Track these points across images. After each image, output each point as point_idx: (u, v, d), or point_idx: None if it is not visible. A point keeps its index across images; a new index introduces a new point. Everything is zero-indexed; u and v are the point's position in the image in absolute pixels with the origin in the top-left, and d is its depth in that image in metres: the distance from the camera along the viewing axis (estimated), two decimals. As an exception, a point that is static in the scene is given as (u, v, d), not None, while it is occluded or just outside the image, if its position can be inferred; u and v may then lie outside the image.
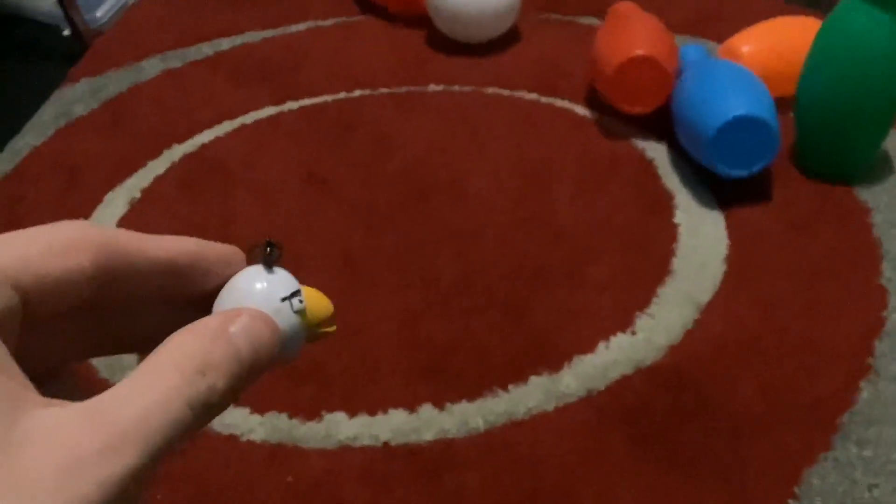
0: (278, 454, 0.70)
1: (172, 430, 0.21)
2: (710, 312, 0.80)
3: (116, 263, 0.24)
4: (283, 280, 0.26)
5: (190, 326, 0.23)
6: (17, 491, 0.18)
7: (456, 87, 1.12)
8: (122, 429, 0.20)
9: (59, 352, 0.25)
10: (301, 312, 0.25)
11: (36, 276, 0.22)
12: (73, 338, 0.25)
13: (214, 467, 0.70)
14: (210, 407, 0.22)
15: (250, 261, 0.26)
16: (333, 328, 0.27)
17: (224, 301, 0.25)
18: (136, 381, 0.21)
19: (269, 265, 0.26)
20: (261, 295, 0.25)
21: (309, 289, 0.26)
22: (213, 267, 0.26)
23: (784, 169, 0.94)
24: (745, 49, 1.00)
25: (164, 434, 0.20)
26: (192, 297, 0.26)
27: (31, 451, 0.19)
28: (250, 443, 0.71)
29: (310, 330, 0.26)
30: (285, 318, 0.25)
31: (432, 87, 1.13)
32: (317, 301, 0.26)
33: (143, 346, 0.26)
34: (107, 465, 0.19)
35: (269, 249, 0.25)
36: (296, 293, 0.25)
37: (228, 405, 0.23)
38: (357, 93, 1.12)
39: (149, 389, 0.21)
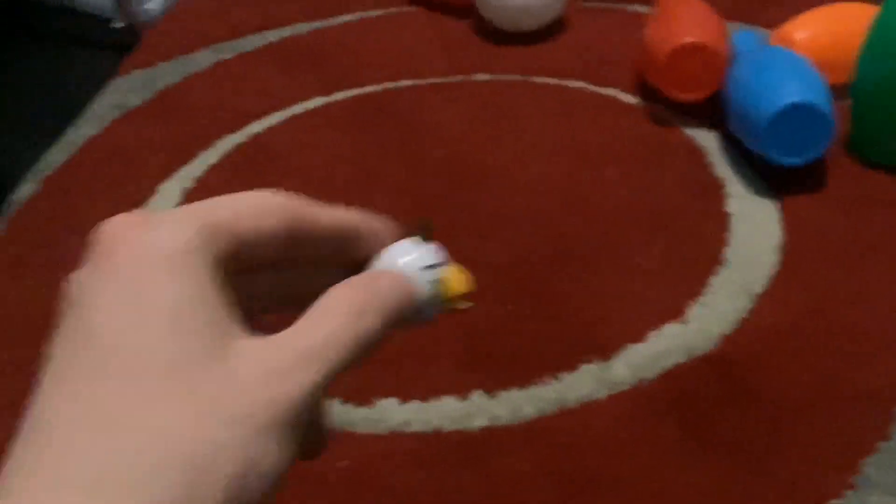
0: (330, 439, 0.71)
1: (343, 355, 0.26)
2: (764, 302, 0.79)
3: (301, 228, 0.29)
4: (428, 253, 0.31)
5: (346, 281, 0.29)
6: (234, 388, 0.24)
7: (503, 77, 1.12)
8: (309, 352, 0.26)
9: (250, 303, 0.29)
10: (434, 283, 0.30)
11: (245, 230, 0.27)
12: (261, 292, 0.30)
13: (268, 451, 0.70)
14: (366, 344, 0.27)
15: (409, 234, 0.31)
16: (470, 304, 0.32)
17: (377, 264, 0.31)
18: (312, 320, 0.27)
19: (421, 239, 0.31)
20: (405, 262, 0.30)
21: (454, 266, 0.31)
22: (373, 235, 0.31)
23: (839, 157, 0.93)
24: (798, 36, 0.98)
25: (338, 358, 0.26)
26: (354, 261, 0.31)
27: (242, 361, 0.24)
28: (303, 427, 0.72)
29: (445, 300, 0.31)
30: (422, 285, 0.30)
31: (479, 77, 1.13)
32: (456, 277, 0.31)
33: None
34: (301, 374, 0.25)
35: (421, 226, 0.31)
36: (434, 266, 0.30)
37: (377, 348, 0.28)
38: (404, 83, 1.13)
39: (323, 324, 0.27)
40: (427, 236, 0.31)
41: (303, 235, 0.29)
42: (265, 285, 0.30)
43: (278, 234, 0.28)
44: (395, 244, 0.31)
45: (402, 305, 0.29)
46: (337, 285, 0.28)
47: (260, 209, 0.28)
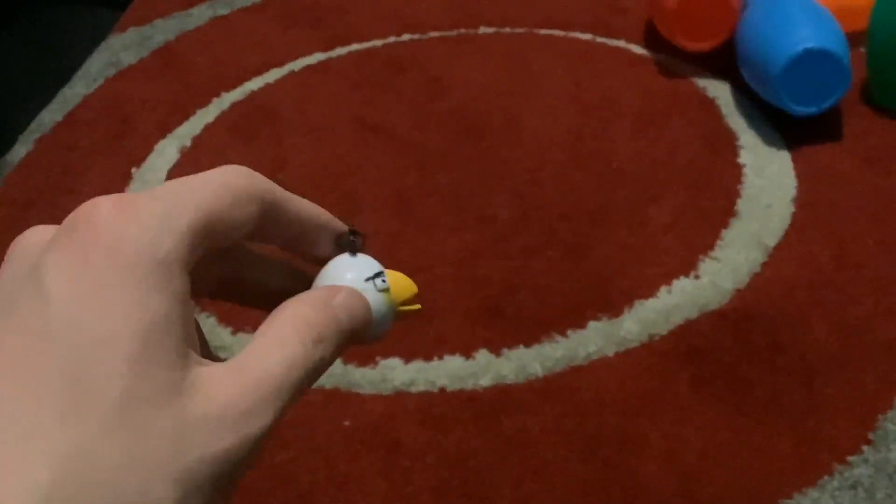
0: (334, 399, 0.69)
1: (296, 392, 0.24)
2: (779, 254, 0.76)
3: (272, 213, 0.26)
4: (367, 264, 0.29)
5: (302, 296, 0.26)
6: (186, 436, 0.22)
7: (507, 29, 1.09)
8: (266, 387, 0.23)
9: (196, 287, 0.27)
10: (385, 291, 0.28)
11: (228, 224, 0.24)
12: (210, 275, 0.27)
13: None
14: (319, 373, 0.25)
15: (338, 247, 0.29)
16: (418, 306, 0.29)
17: (321, 280, 0.28)
18: (267, 346, 0.24)
19: (352, 252, 0.29)
20: (350, 276, 0.28)
21: (392, 271, 0.29)
22: (330, 238, 0.28)
23: (854, 105, 0.90)
24: (813, -20, 0.95)
25: (291, 396, 0.24)
26: (303, 256, 0.29)
27: (196, 399, 0.22)
28: (306, 388, 0.70)
29: (395, 308, 0.29)
30: (372, 297, 0.28)
31: (483, 30, 1.09)
32: (400, 281, 0.29)
33: (255, 298, 0.29)
34: (252, 422, 0.23)
35: (351, 238, 0.29)
36: (379, 274, 0.28)
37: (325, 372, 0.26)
38: (406, 36, 1.10)
39: (281, 351, 0.24)
40: (357, 248, 0.29)
41: (271, 221, 0.26)
42: (215, 269, 0.28)
43: (253, 220, 0.25)
44: (335, 259, 0.29)
45: (360, 322, 0.27)
46: (293, 300, 0.26)
47: (242, 195, 0.25)
